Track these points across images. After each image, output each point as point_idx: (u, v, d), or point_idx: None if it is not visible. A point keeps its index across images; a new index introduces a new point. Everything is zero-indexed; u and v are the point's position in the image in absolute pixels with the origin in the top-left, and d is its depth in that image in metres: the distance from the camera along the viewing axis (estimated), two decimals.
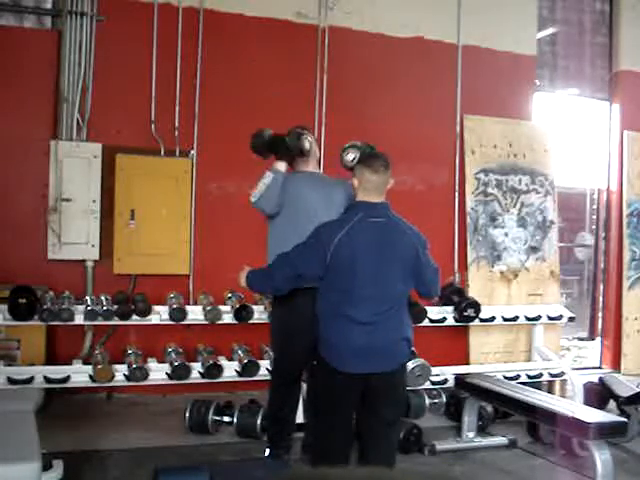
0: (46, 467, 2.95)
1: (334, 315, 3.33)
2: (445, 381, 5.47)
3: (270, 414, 4.34)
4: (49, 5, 5.80)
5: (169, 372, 4.99)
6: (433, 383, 5.43)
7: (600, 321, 7.79)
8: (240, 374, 5.08)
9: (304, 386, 4.45)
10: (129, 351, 5.17)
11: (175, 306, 5.18)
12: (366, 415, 3.44)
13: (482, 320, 5.94)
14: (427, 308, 5.70)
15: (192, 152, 5.83)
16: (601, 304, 7.70)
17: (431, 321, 5.72)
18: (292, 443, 4.29)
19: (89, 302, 5.03)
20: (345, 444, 3.46)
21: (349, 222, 3.33)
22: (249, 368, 5.06)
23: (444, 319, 5.79)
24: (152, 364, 5.07)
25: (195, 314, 5.25)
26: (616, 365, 7.20)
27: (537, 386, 5.34)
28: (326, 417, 3.47)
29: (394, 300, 3.37)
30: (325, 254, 3.27)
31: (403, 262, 3.39)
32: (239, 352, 5.27)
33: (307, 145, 4.09)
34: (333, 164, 6.27)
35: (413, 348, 3.53)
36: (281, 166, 4.06)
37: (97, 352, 5.12)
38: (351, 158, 3.96)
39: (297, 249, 3.43)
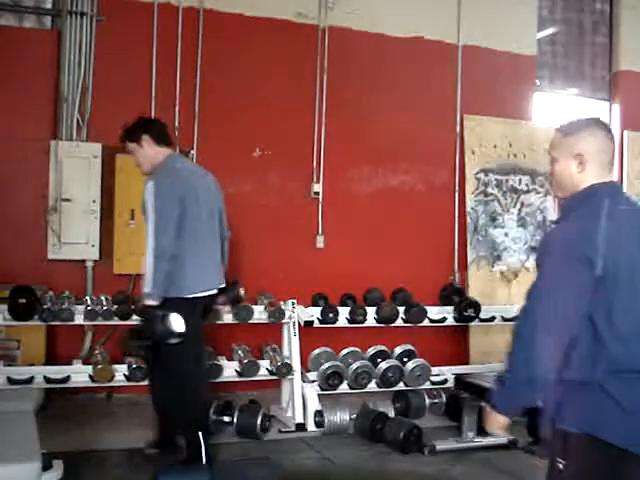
0: (46, 467, 2.94)
1: (626, 369, 2.09)
2: (445, 381, 5.47)
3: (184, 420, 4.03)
4: (49, 5, 5.80)
5: None
6: (433, 383, 5.43)
7: None
8: (240, 374, 5.08)
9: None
10: None
11: None
12: None
13: (482, 320, 5.93)
14: (427, 308, 5.69)
15: (192, 152, 5.83)
16: None
17: (431, 321, 5.71)
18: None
19: (89, 302, 5.02)
20: None
21: (599, 213, 2.16)
22: (249, 368, 5.06)
23: (444, 319, 5.79)
24: None
25: None
26: None
27: None
28: None
29: None
30: (592, 270, 2.07)
31: None
32: (239, 352, 5.26)
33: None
34: (333, 163, 6.27)
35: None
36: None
37: (97, 352, 5.12)
38: None
39: (544, 296, 2.18)
